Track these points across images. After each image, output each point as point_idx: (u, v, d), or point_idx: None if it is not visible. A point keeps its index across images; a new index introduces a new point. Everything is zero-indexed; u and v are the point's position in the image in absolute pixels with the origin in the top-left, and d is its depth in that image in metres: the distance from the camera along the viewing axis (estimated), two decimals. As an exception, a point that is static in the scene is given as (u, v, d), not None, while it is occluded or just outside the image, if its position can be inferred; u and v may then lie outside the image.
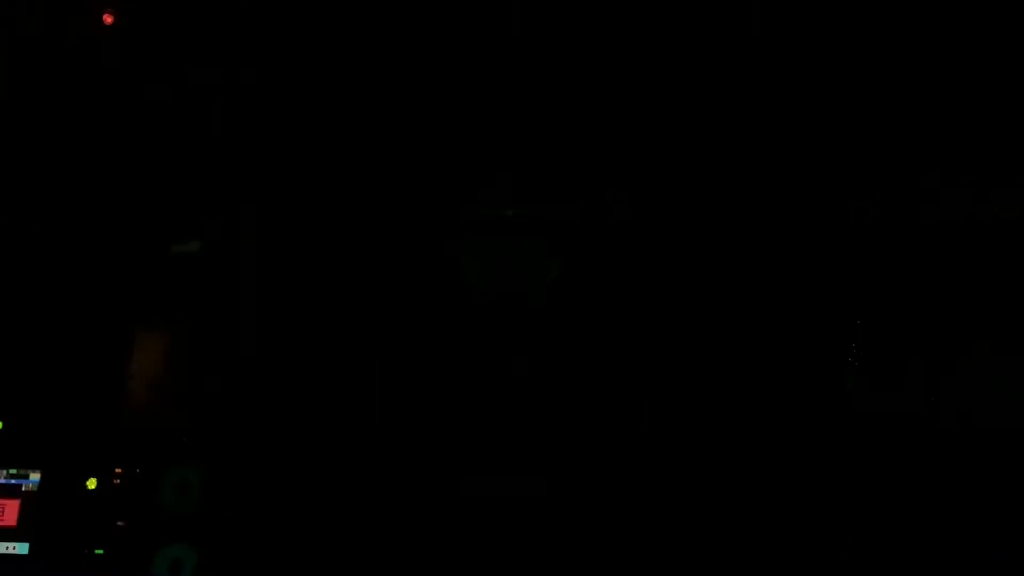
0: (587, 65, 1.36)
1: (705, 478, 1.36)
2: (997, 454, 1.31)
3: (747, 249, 1.43)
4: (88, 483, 1.39)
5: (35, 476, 1.39)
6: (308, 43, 1.35)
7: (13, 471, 1.40)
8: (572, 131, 1.43)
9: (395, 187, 1.48)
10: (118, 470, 1.39)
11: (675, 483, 1.36)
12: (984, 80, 1.29)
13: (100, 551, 1.35)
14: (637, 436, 1.39)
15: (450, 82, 1.39)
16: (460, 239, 1.50)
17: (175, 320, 1.48)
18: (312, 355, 1.45)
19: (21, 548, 1.36)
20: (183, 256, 1.49)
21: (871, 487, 1.33)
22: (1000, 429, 1.32)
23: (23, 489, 1.39)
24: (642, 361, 1.42)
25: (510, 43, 1.33)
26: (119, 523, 1.37)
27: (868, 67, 1.32)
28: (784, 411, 1.37)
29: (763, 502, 1.33)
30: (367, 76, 1.39)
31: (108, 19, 1.31)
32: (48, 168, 1.49)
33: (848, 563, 1.29)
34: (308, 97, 1.42)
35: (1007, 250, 1.37)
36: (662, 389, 1.40)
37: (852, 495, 1.33)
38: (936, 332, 1.37)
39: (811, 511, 1.32)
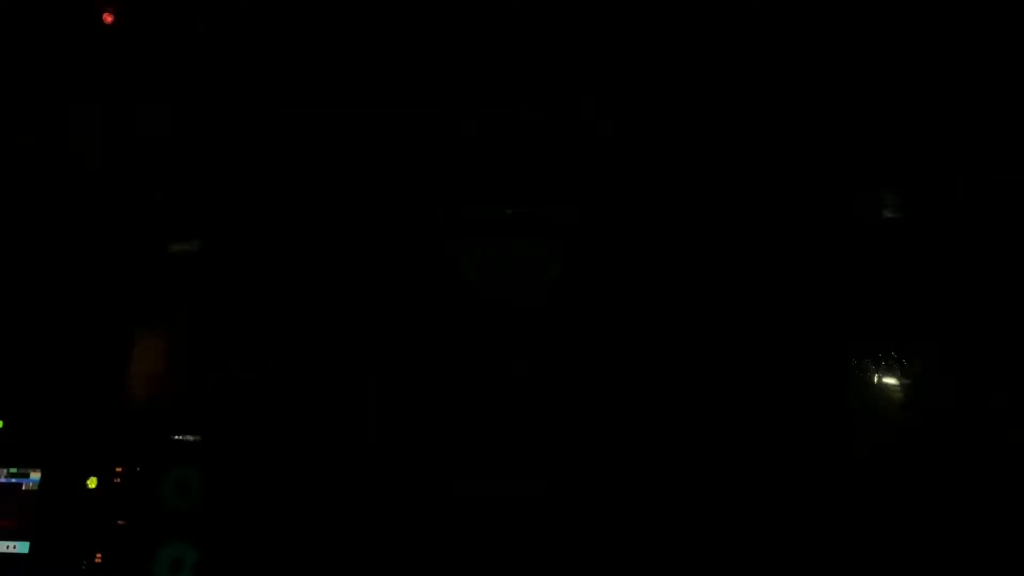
0: (587, 64, 1.36)
1: (705, 478, 1.36)
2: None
3: (748, 249, 1.43)
4: (88, 482, 1.39)
5: (35, 475, 1.39)
6: (307, 41, 1.35)
7: (13, 470, 1.40)
8: (571, 130, 1.43)
9: (395, 187, 1.48)
10: (118, 469, 1.39)
11: (675, 483, 1.36)
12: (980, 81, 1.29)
13: (99, 561, 1.35)
14: (637, 436, 1.39)
15: (449, 81, 1.39)
16: (460, 239, 1.50)
17: (175, 320, 1.48)
18: (311, 354, 1.45)
19: (21, 547, 1.37)
20: (183, 256, 1.49)
21: (872, 490, 1.33)
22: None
23: (23, 488, 1.39)
24: (642, 361, 1.42)
25: (510, 44, 1.33)
26: (119, 523, 1.37)
27: (867, 66, 1.31)
28: (785, 412, 1.37)
29: (763, 503, 1.33)
30: (366, 75, 1.39)
31: (108, 18, 1.31)
32: (48, 167, 1.49)
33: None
34: (307, 96, 1.42)
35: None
36: (662, 389, 1.40)
37: (853, 498, 1.33)
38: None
39: (812, 514, 1.33)
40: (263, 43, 1.34)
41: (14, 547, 1.36)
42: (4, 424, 1.43)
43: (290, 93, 1.40)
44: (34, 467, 1.40)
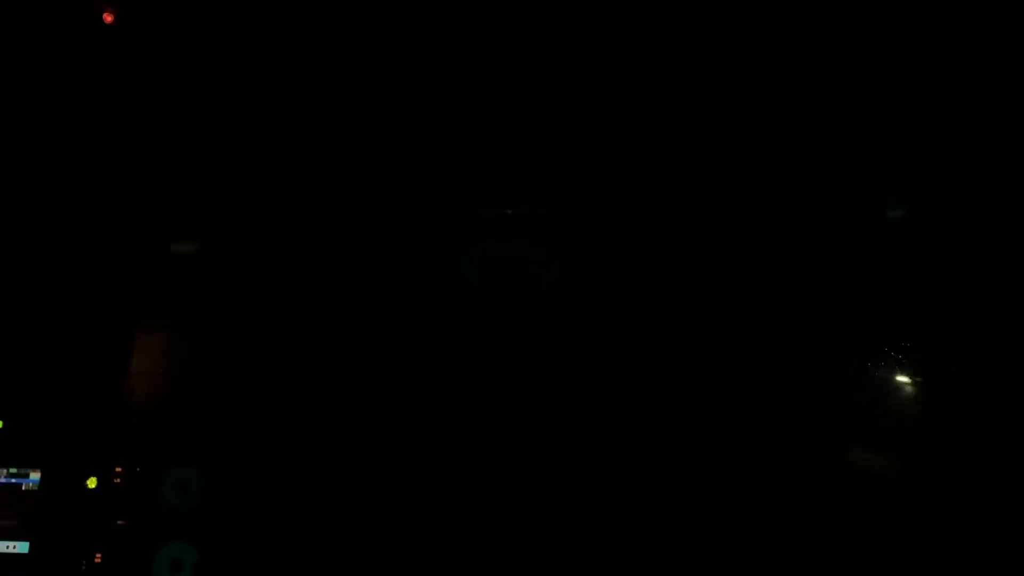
0: (586, 63, 1.36)
1: (705, 478, 1.36)
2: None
3: (748, 249, 1.43)
4: (88, 483, 1.39)
5: (35, 475, 1.40)
6: (307, 40, 1.35)
7: (13, 470, 1.40)
8: (571, 130, 1.43)
9: (395, 187, 1.48)
10: (118, 469, 1.39)
11: (675, 483, 1.36)
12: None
13: (99, 561, 1.35)
14: (637, 436, 1.39)
15: (449, 81, 1.39)
16: (460, 239, 1.50)
17: (175, 320, 1.48)
18: (311, 354, 1.45)
19: (21, 547, 1.37)
20: (183, 256, 1.49)
21: (872, 489, 1.33)
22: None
23: (23, 488, 1.39)
24: (642, 361, 1.42)
25: (509, 40, 1.33)
26: (119, 523, 1.37)
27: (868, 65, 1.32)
28: (785, 411, 1.37)
29: (763, 502, 1.33)
30: (367, 74, 1.39)
31: (108, 18, 1.31)
32: (48, 167, 1.49)
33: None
34: (307, 96, 1.42)
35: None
36: (662, 389, 1.40)
37: (855, 497, 1.33)
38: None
39: (812, 513, 1.32)
40: (262, 39, 1.34)
41: (14, 547, 1.36)
42: (4, 424, 1.43)
43: (289, 91, 1.40)
44: (34, 467, 1.40)
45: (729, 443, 1.36)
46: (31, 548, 1.36)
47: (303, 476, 1.39)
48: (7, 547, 1.36)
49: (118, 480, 1.38)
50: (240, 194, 1.50)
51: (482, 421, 1.43)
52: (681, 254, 1.44)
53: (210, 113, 1.44)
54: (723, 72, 1.34)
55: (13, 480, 1.39)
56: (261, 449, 1.41)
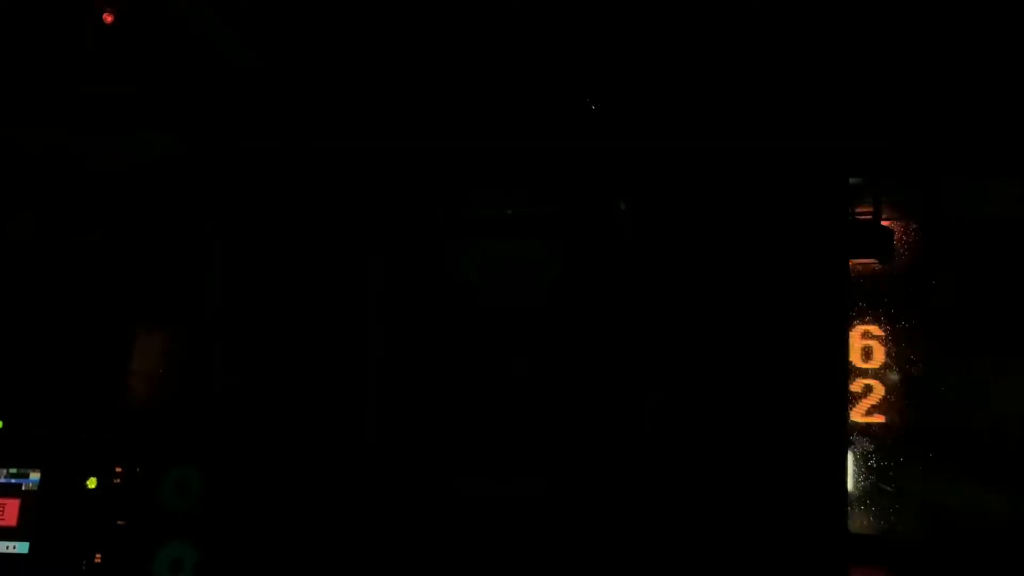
0: (585, 64, 1.36)
1: (706, 478, 1.36)
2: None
3: (748, 248, 1.43)
4: (88, 483, 1.39)
5: (35, 475, 1.39)
6: (307, 40, 1.35)
7: (13, 470, 1.40)
8: (571, 130, 1.43)
9: (395, 187, 1.48)
10: (118, 469, 1.39)
11: (676, 483, 1.36)
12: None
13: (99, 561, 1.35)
14: (638, 436, 1.39)
15: (449, 81, 1.39)
16: (460, 239, 1.50)
17: (175, 320, 1.48)
18: (311, 354, 1.45)
19: (21, 548, 1.37)
20: (184, 255, 1.49)
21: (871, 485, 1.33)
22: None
23: (23, 488, 1.39)
24: (643, 361, 1.42)
25: (508, 40, 1.33)
26: (119, 523, 1.37)
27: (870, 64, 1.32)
28: (785, 411, 1.37)
29: (764, 502, 1.33)
30: (366, 75, 1.39)
31: (108, 19, 1.31)
32: (46, 167, 1.49)
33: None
34: (307, 96, 1.43)
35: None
36: (663, 389, 1.40)
37: (855, 494, 1.33)
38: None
39: (812, 511, 1.32)
40: (261, 38, 1.34)
41: (14, 547, 1.36)
42: (4, 424, 1.43)
43: (289, 91, 1.41)
44: (34, 467, 1.40)
45: (730, 443, 1.36)
46: (31, 548, 1.36)
47: (303, 476, 1.39)
48: (7, 547, 1.36)
49: (118, 480, 1.38)
50: (240, 194, 1.50)
51: (482, 421, 1.43)
52: (681, 253, 1.44)
53: (210, 113, 1.44)
54: (723, 72, 1.34)
55: (13, 480, 1.39)
56: (261, 449, 1.40)
